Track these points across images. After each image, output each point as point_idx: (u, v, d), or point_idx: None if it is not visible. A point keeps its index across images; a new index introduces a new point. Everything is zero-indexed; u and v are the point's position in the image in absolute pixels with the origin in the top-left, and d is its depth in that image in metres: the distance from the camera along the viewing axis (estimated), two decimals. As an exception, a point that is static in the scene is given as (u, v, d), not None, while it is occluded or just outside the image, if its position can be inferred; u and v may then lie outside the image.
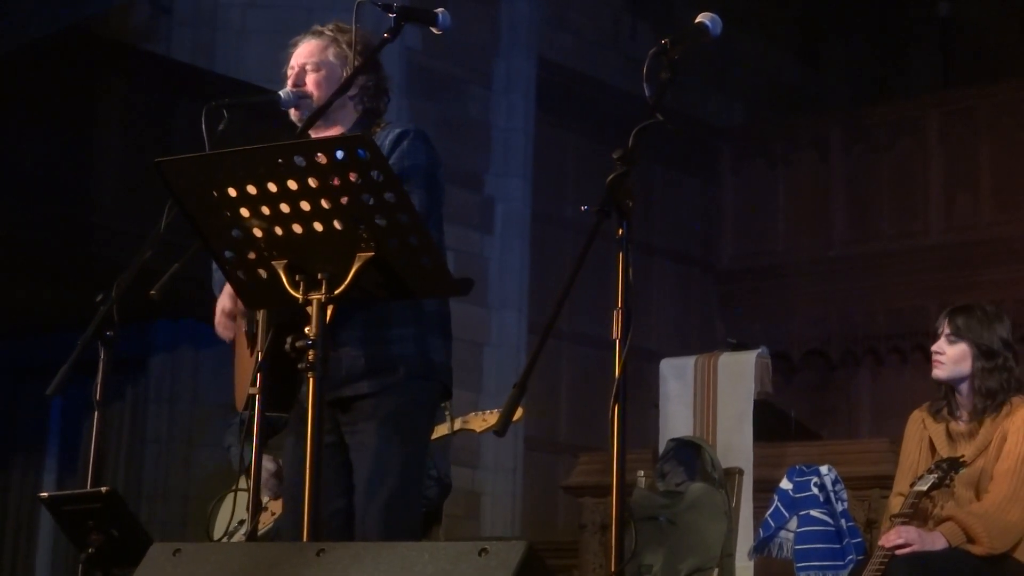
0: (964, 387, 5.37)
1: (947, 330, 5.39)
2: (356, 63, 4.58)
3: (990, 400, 5.30)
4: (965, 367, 5.34)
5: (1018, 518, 5.13)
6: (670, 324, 12.62)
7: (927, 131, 12.71)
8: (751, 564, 6.70)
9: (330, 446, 4.40)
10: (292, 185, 3.65)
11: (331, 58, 4.63)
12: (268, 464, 6.13)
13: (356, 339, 4.41)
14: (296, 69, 4.64)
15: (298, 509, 3.87)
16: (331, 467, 4.42)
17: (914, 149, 12.74)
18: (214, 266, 4.46)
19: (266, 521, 6.15)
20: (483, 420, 6.37)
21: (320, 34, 4.67)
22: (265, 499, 6.16)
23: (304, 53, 4.65)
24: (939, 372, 5.40)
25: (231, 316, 4.53)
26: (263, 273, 3.85)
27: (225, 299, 4.51)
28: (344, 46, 4.62)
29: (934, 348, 5.42)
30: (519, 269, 11.16)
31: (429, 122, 10.54)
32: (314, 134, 4.52)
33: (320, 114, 4.47)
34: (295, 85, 4.61)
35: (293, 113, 4.61)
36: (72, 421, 10.38)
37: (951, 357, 5.36)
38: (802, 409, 9.67)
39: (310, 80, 4.60)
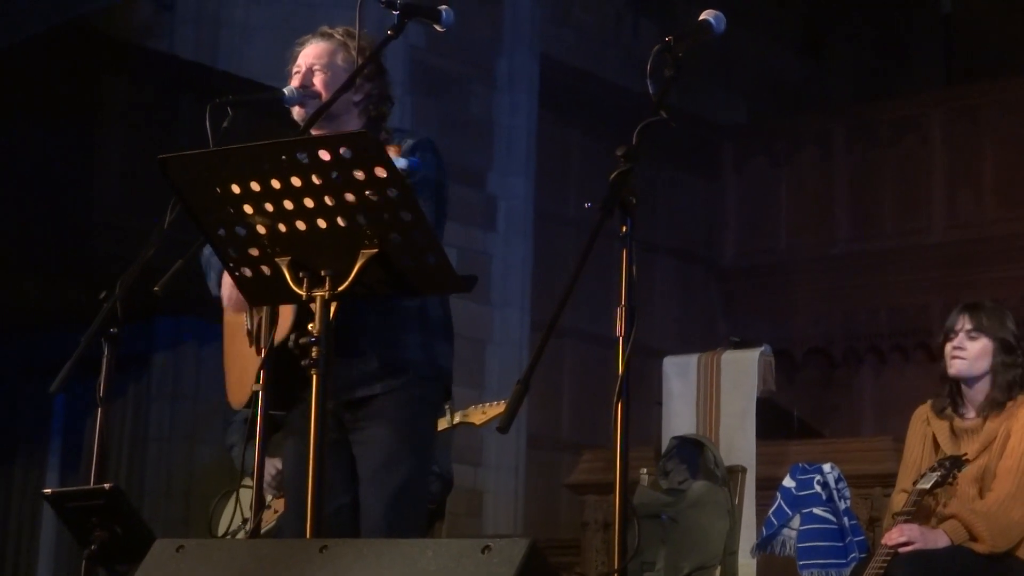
0: (979, 383, 5.36)
1: (968, 326, 5.38)
2: (366, 71, 4.57)
3: (1007, 394, 5.31)
4: (985, 363, 5.34)
5: (1021, 516, 5.13)
6: (673, 322, 12.62)
7: (930, 129, 12.71)
8: (754, 562, 6.71)
9: (334, 443, 4.43)
10: (296, 182, 3.65)
11: (340, 62, 4.62)
12: (275, 462, 6.13)
13: (368, 343, 4.43)
14: (304, 68, 4.62)
15: (301, 506, 3.87)
16: (335, 464, 4.44)
17: (917, 147, 12.74)
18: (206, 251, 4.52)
19: (269, 519, 6.15)
20: (483, 413, 6.40)
21: (330, 37, 4.67)
22: (268, 497, 6.17)
23: (313, 54, 4.63)
24: (961, 368, 5.37)
25: None
26: (266, 270, 3.85)
27: None
28: (353, 52, 4.61)
29: (955, 344, 5.39)
30: (522, 267, 11.16)
31: (432, 119, 10.54)
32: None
33: (324, 111, 4.47)
34: (302, 85, 4.60)
35: (297, 111, 4.60)
36: (75, 418, 10.38)
37: (973, 353, 5.35)
38: (805, 407, 9.68)
39: (318, 80, 4.59)
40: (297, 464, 4.54)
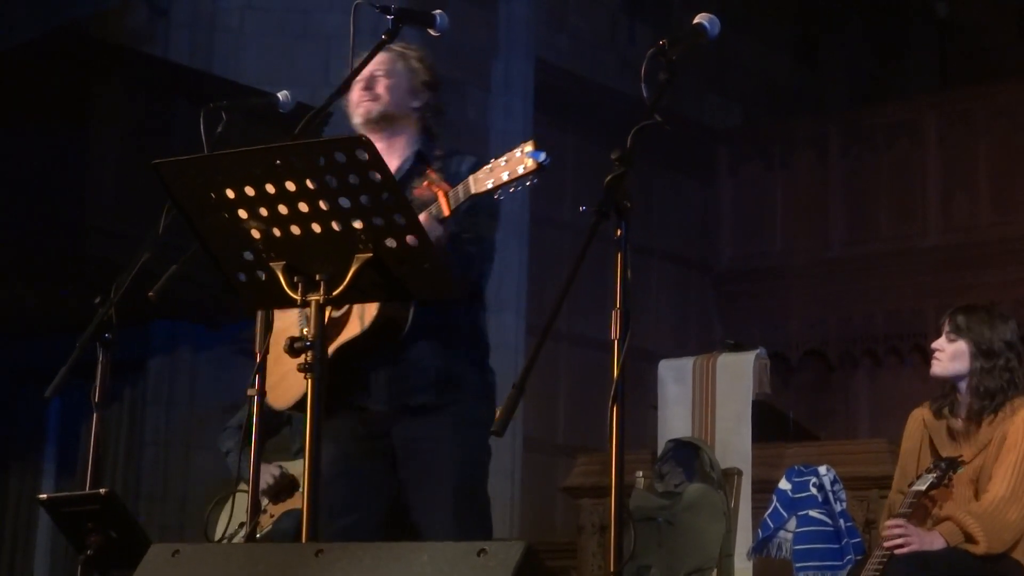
0: (963, 386, 5.36)
1: (947, 328, 5.40)
2: (426, 79, 4.72)
3: (988, 400, 5.29)
4: (962, 365, 5.33)
5: (1016, 518, 5.13)
6: (668, 325, 12.61)
7: (925, 132, 12.71)
8: (750, 564, 6.71)
9: (370, 452, 4.55)
10: (290, 186, 3.65)
11: (400, 70, 4.72)
12: (271, 468, 6.13)
13: (426, 350, 4.49)
14: (366, 76, 4.70)
15: (332, 508, 4.11)
16: (372, 473, 4.56)
17: (912, 150, 12.74)
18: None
19: (265, 523, 6.14)
20: None
21: (389, 50, 4.75)
22: (264, 502, 6.16)
23: (373, 63, 4.70)
24: (936, 368, 5.40)
25: None
26: (261, 275, 3.85)
27: None
28: (413, 62, 4.73)
29: (933, 345, 5.42)
30: (517, 271, 11.15)
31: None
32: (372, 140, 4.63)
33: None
34: (366, 88, 4.67)
35: (359, 113, 4.67)
36: (70, 423, 10.36)
37: (948, 354, 5.36)
38: (800, 410, 9.69)
39: (381, 85, 4.68)
40: (331, 466, 4.57)
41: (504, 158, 4.08)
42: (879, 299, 12.67)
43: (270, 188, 3.67)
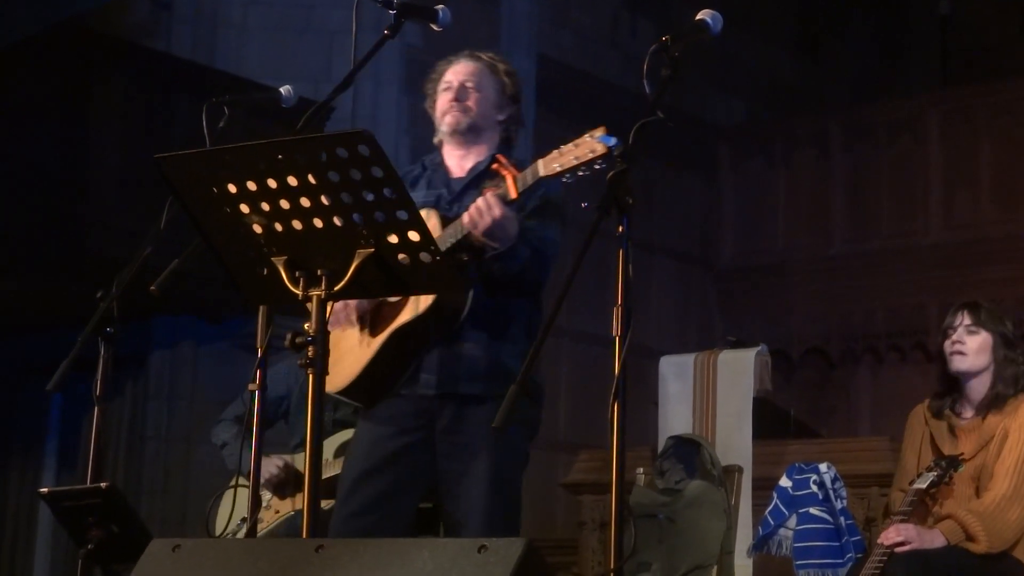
0: (976, 381, 5.36)
1: (967, 321, 5.38)
2: (512, 92, 4.79)
3: (1011, 388, 5.30)
4: (985, 358, 5.34)
5: (1017, 517, 5.13)
6: (670, 322, 12.61)
7: (927, 129, 12.71)
8: (750, 562, 6.70)
9: (416, 444, 4.57)
10: (292, 181, 3.65)
11: (489, 83, 4.78)
12: (275, 460, 6.12)
13: (479, 340, 4.53)
14: (456, 84, 4.76)
15: (362, 490, 4.30)
16: (412, 466, 4.58)
17: (913, 147, 12.74)
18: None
19: (270, 519, 6.13)
20: None
21: (478, 59, 4.82)
22: (267, 496, 6.15)
23: (464, 71, 4.78)
24: (961, 363, 5.36)
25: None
26: (263, 269, 3.84)
27: None
28: (502, 76, 4.80)
29: (955, 338, 5.38)
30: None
31: (428, 119, 10.52)
32: (453, 151, 4.77)
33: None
34: (456, 99, 4.73)
35: (446, 122, 4.73)
36: (72, 417, 10.36)
37: (973, 348, 5.35)
38: (801, 407, 9.68)
39: (471, 98, 4.75)
40: (365, 459, 4.57)
41: (574, 143, 4.10)
42: (880, 296, 12.67)
43: (272, 183, 3.67)
